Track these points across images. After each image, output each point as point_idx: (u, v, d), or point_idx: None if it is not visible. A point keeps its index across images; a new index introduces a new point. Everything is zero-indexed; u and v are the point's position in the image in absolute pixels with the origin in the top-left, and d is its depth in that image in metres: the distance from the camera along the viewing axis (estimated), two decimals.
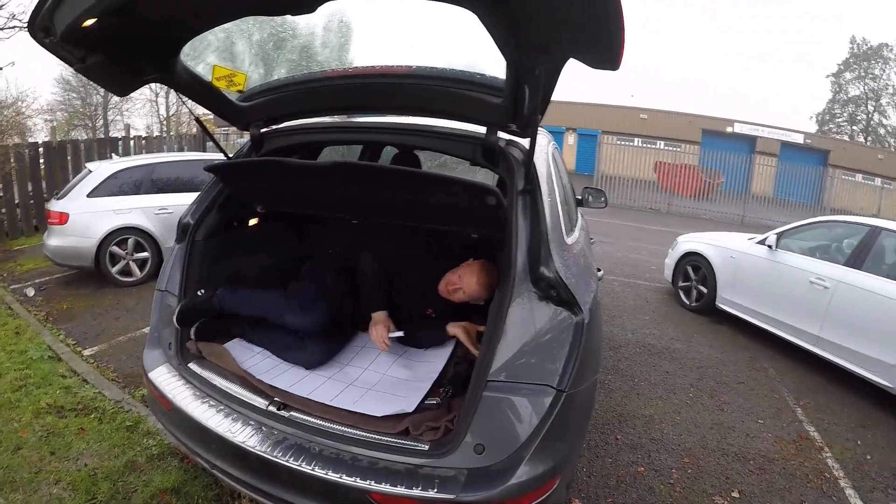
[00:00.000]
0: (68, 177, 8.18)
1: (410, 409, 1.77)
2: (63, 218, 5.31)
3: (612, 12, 0.96)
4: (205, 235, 2.22)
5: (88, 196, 5.43)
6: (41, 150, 8.25)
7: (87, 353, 3.89)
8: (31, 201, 8.08)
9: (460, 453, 1.48)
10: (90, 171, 5.68)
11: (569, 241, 1.98)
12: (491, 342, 1.56)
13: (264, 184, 2.21)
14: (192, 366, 2.01)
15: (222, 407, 1.77)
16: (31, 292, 5.29)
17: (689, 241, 6.03)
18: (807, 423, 3.52)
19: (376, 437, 1.62)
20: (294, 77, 2.13)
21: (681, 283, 5.96)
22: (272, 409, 1.76)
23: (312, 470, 1.49)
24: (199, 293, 2.16)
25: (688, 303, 5.83)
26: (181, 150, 10.44)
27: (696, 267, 5.77)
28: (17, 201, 8.00)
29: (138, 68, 1.77)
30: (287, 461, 1.53)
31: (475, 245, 2.40)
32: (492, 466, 1.45)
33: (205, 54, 2.02)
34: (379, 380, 2.03)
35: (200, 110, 2.34)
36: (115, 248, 5.42)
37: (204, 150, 10.28)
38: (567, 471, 1.64)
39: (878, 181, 20.64)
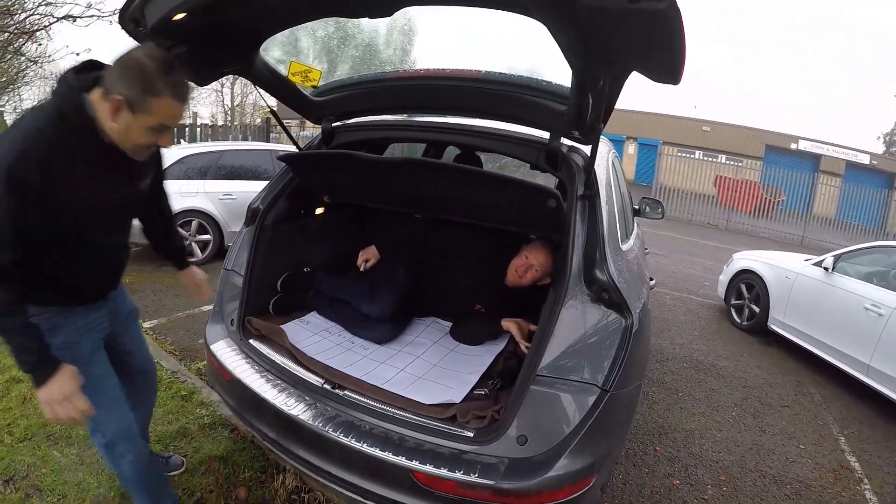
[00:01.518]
0: None
1: (458, 400, 1.84)
2: None
3: (674, 32, 0.99)
4: (273, 221, 2.35)
5: None
6: None
7: (146, 325, 4.07)
8: None
9: (503, 443, 1.53)
10: None
11: (624, 247, 2.00)
12: (542, 339, 1.61)
13: (334, 175, 2.32)
14: (253, 342, 2.14)
15: (279, 382, 1.88)
16: None
17: (745, 259, 5.88)
18: (849, 452, 3.39)
19: (424, 420, 1.70)
20: (367, 75, 2.24)
21: (733, 301, 5.83)
22: (327, 387, 1.86)
23: (361, 446, 1.58)
24: (305, 269, 2.49)
25: (739, 321, 5.68)
26: (245, 139, 10.90)
27: (749, 285, 5.62)
28: None
29: (220, 60, 1.86)
30: (338, 436, 1.62)
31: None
32: (532, 458, 1.50)
33: (271, 49, 2.13)
34: (430, 369, 2.10)
35: (272, 102, 2.49)
36: (178, 230, 5.72)
37: (268, 141, 10.76)
38: (604, 471, 1.67)
39: None
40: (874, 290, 4.21)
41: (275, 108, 2.48)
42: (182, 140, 8.65)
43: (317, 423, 1.67)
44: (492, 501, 1.47)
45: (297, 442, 1.73)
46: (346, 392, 1.83)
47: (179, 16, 1.45)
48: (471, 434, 1.61)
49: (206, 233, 5.84)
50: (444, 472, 1.49)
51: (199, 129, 10.45)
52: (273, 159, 6.44)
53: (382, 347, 2.28)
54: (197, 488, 2.22)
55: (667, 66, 1.12)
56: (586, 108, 1.55)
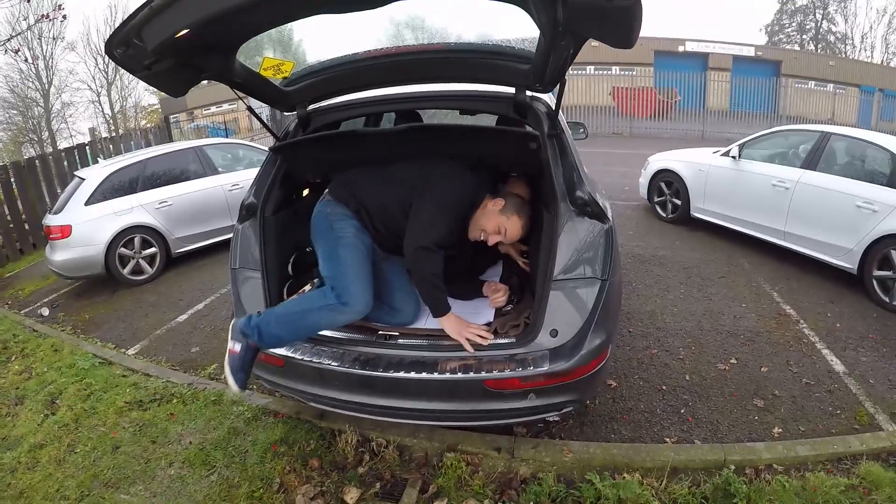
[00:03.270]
0: (42, 193, 8.05)
1: (492, 319, 2.24)
2: (65, 231, 5.34)
3: (636, 19, 1.28)
4: (272, 211, 2.47)
5: (86, 204, 5.47)
6: (11, 171, 8.00)
7: (130, 352, 4.00)
8: (11, 225, 7.89)
9: (540, 339, 1.94)
10: (82, 179, 5.67)
11: (586, 169, 2.38)
12: (550, 253, 1.99)
13: (329, 155, 2.44)
14: None
15: (335, 348, 2.13)
16: (45, 312, 5.27)
17: (660, 160, 6.47)
18: (783, 303, 4.10)
19: None
20: (337, 58, 2.33)
21: (656, 199, 6.44)
22: (379, 340, 2.14)
23: (434, 376, 1.91)
24: (307, 249, 2.58)
25: (664, 215, 6.34)
26: (148, 144, 10.29)
27: (668, 182, 6.25)
28: None
29: (200, 68, 1.89)
30: (411, 375, 1.93)
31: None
32: (565, 344, 1.92)
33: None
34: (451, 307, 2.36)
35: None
36: (122, 250, 5.51)
37: (170, 140, 10.28)
38: (613, 343, 2.12)
39: (830, 87, 21.28)
40: (778, 169, 4.95)
41: (250, 106, 2.54)
42: (99, 158, 8.05)
43: (389, 372, 1.96)
44: (546, 384, 1.89)
45: (373, 394, 2.03)
46: (399, 339, 2.13)
47: (183, 32, 1.50)
48: (513, 340, 2.00)
49: (151, 246, 5.70)
50: (507, 373, 1.87)
51: (100, 145, 9.72)
52: (198, 156, 6.31)
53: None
54: (273, 475, 2.39)
55: (623, 39, 1.40)
56: (547, 66, 1.85)
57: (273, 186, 2.48)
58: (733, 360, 3.28)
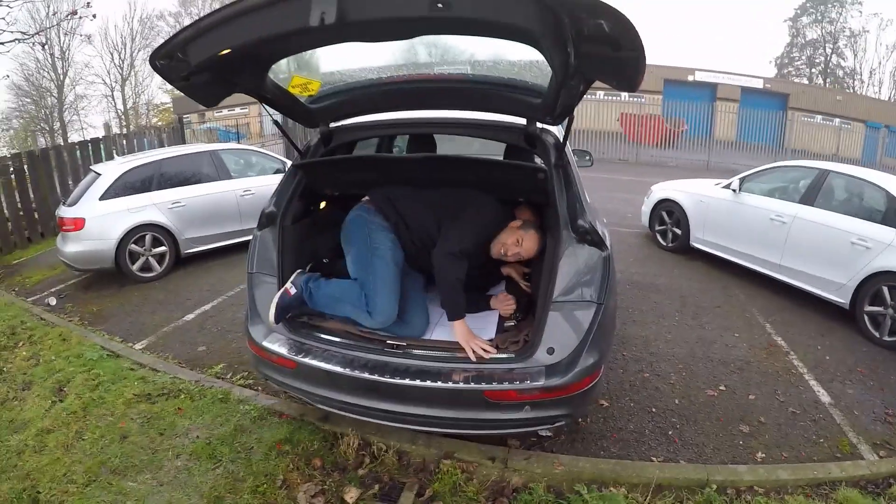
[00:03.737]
0: (55, 184, 8.20)
1: (493, 335, 2.36)
2: (79, 223, 5.45)
3: (640, 66, 1.42)
4: (291, 221, 2.62)
5: (101, 199, 5.59)
6: (25, 159, 8.19)
7: (138, 347, 4.05)
8: (21, 213, 8.04)
9: (538, 356, 2.08)
10: (98, 175, 5.81)
11: (589, 199, 2.53)
12: (551, 276, 2.14)
13: (348, 176, 2.61)
14: (304, 331, 2.46)
15: (346, 354, 2.25)
16: (52, 301, 5.36)
17: (662, 190, 6.61)
18: (774, 334, 4.21)
19: None
20: (361, 81, 2.44)
21: (657, 227, 6.57)
22: (387, 349, 2.26)
23: (438, 384, 2.04)
24: (324, 260, 2.75)
25: (665, 244, 6.46)
26: (161, 143, 10.47)
27: (669, 212, 6.38)
28: (6, 215, 7.93)
29: (234, 83, 2.04)
30: (416, 382, 2.06)
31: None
32: (561, 362, 2.06)
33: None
34: None
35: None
36: (133, 246, 5.63)
37: (183, 141, 10.63)
38: (606, 364, 2.26)
39: (836, 122, 21.30)
40: (776, 203, 5.09)
41: (278, 121, 2.70)
42: (115, 154, 8.21)
43: (395, 379, 2.09)
44: (541, 398, 2.02)
45: (379, 398, 2.15)
46: (406, 350, 2.25)
47: (225, 51, 1.65)
48: (513, 355, 2.13)
49: (161, 245, 5.81)
50: (506, 385, 1.99)
51: (113, 142, 9.89)
52: (213, 160, 6.44)
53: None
54: (277, 472, 2.50)
55: (628, 83, 1.56)
56: (557, 100, 2.01)
57: (293, 198, 2.63)
58: (722, 387, 3.39)
